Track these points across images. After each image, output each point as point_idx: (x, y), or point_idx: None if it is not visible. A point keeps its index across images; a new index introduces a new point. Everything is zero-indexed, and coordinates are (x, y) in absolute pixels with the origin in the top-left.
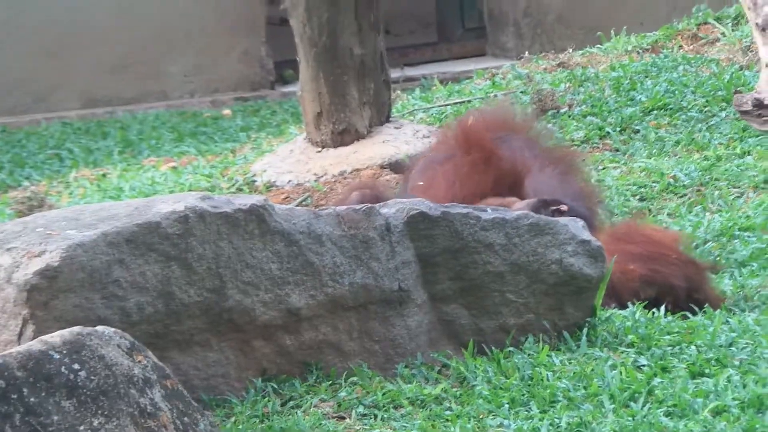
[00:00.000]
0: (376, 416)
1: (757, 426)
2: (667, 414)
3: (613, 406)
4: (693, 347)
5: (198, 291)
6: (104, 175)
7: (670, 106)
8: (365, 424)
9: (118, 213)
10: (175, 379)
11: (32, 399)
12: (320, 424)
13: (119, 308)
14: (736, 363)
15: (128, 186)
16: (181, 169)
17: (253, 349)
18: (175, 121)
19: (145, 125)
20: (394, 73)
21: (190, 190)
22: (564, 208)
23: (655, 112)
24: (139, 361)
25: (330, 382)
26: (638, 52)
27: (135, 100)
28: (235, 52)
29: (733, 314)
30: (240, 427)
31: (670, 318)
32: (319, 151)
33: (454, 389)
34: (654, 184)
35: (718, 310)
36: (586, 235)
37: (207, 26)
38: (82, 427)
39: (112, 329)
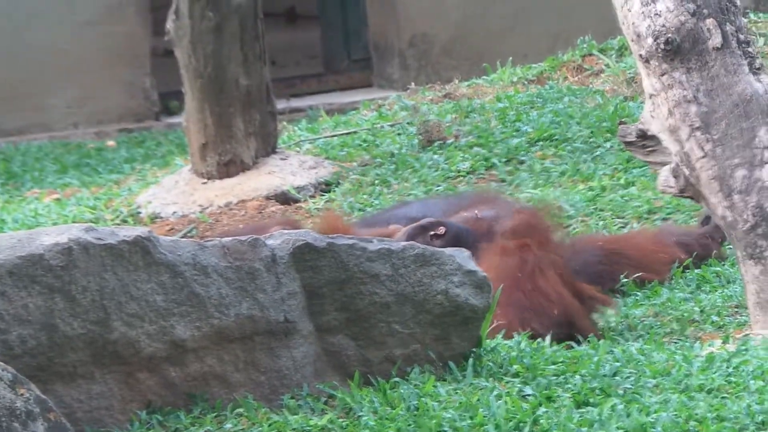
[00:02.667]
0: None
1: None
2: None
3: None
4: (578, 377)
5: (82, 323)
6: None
7: (556, 137)
8: None
9: (0, 245)
10: (58, 412)
11: None
12: None
13: (1, 341)
14: (620, 392)
15: (11, 218)
16: (65, 200)
17: (137, 381)
18: (59, 152)
19: (28, 157)
20: (280, 104)
21: (73, 222)
22: (441, 230)
23: (540, 143)
24: (22, 394)
25: (215, 413)
26: (524, 84)
27: (18, 132)
28: (120, 83)
29: (618, 344)
30: None
31: (555, 348)
32: (205, 183)
33: (341, 420)
34: None
35: (602, 340)
36: (471, 265)
37: (91, 58)
38: None
39: None
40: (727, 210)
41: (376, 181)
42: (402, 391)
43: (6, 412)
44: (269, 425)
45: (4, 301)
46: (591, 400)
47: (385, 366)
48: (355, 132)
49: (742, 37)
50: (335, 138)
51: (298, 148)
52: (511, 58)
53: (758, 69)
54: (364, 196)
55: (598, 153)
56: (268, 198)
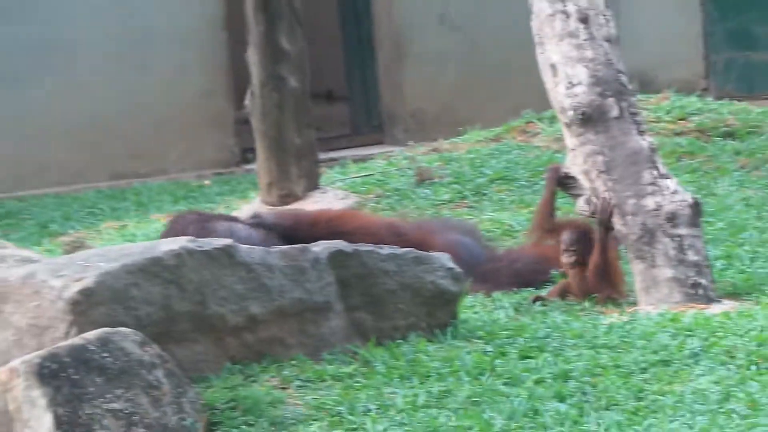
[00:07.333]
0: (308, 387)
1: (564, 391)
2: (505, 384)
3: (468, 379)
4: (522, 338)
5: (188, 304)
6: (124, 226)
7: (508, 177)
8: (301, 392)
9: (133, 251)
10: (172, 363)
11: (75, 376)
12: (270, 393)
13: (134, 316)
14: (551, 349)
15: (141, 233)
16: None
17: (225, 343)
18: (172, 189)
19: (152, 192)
20: (321, 156)
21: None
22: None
23: (497, 181)
24: (147, 351)
25: (277, 364)
26: (486, 141)
27: (146, 175)
28: (213, 141)
29: (548, 317)
30: (216, 395)
31: (506, 319)
32: (270, 209)
33: (362, 369)
34: (497, 230)
35: (538, 313)
36: (451, 264)
37: (194, 123)
38: (109, 395)
39: (130, 330)
40: (622, 226)
41: (386, 208)
42: (403, 349)
43: (137, 363)
44: (313, 372)
45: (136, 289)
46: (531, 355)
47: (392, 332)
48: (371, 174)
49: (632, 110)
50: (358, 178)
51: (333, 185)
52: (480, 124)
53: (643, 132)
54: None
55: (536, 188)
56: None
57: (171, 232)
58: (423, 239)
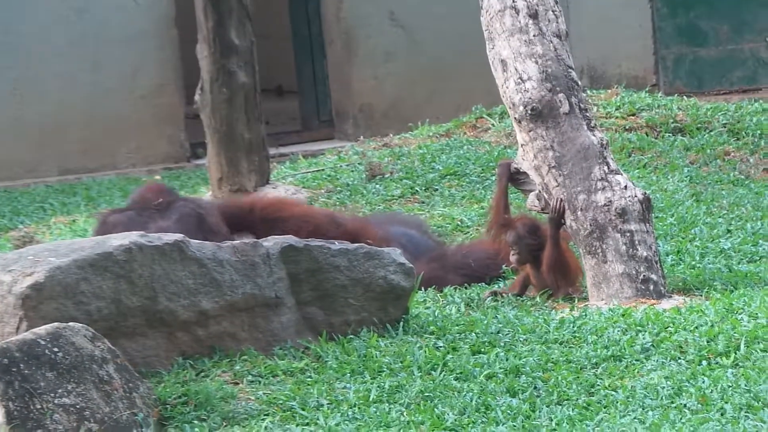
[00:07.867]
0: (260, 382)
1: (515, 386)
2: (456, 378)
3: (420, 374)
4: (473, 334)
5: (138, 299)
6: (74, 221)
7: (458, 173)
8: (253, 387)
9: (84, 246)
10: (123, 358)
11: (26, 371)
12: (222, 388)
13: (85, 310)
14: (502, 344)
15: (91, 228)
16: None
17: (176, 337)
18: (122, 184)
19: (102, 187)
20: (272, 151)
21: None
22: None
23: (448, 177)
24: (98, 346)
25: (229, 359)
26: (436, 137)
27: (96, 170)
28: (163, 137)
29: (500, 311)
30: (167, 390)
31: (458, 314)
32: None
33: (313, 364)
34: (448, 225)
35: (490, 309)
36: (402, 259)
37: (144, 120)
38: (60, 390)
39: (80, 324)
40: (573, 222)
41: (337, 203)
42: (355, 344)
43: (88, 358)
44: (265, 367)
45: (86, 284)
46: (482, 350)
47: (344, 327)
48: (322, 170)
49: (582, 105)
50: (309, 174)
51: (284, 181)
52: (428, 119)
53: (593, 127)
54: None
55: (486, 183)
56: None
57: (102, 231)
58: (360, 230)
